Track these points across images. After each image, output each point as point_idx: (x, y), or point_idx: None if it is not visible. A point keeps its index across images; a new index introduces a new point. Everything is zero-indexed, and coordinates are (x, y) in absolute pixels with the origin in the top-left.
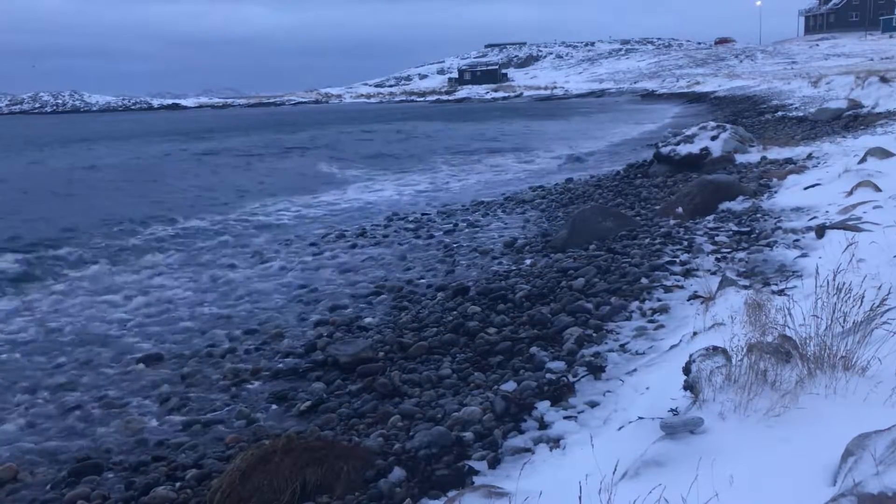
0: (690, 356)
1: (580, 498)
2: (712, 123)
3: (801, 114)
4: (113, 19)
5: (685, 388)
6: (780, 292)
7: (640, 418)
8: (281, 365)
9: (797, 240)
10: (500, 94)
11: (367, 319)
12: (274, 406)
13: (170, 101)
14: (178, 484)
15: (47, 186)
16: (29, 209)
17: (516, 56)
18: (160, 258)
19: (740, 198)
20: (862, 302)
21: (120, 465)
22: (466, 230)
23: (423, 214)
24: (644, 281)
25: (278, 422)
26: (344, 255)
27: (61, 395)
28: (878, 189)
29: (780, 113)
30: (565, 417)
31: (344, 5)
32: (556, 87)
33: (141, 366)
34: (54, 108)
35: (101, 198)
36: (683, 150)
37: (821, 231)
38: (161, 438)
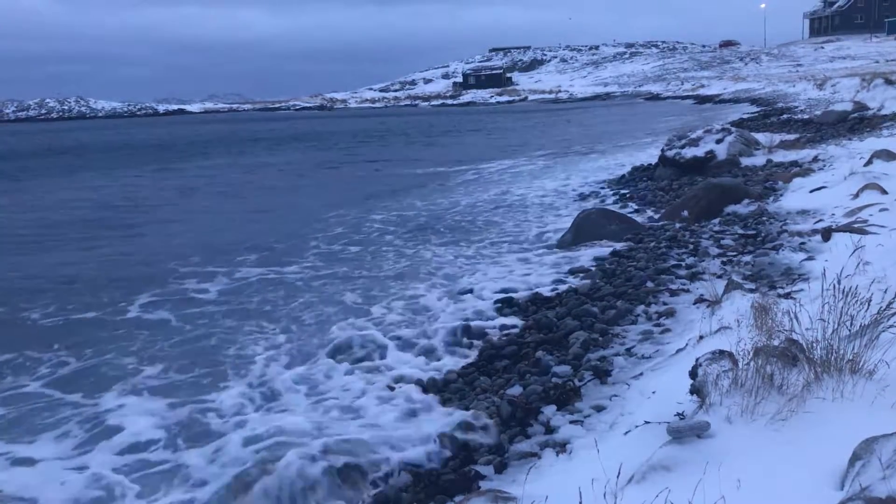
0: (697, 360)
1: (585, 503)
2: (717, 126)
3: (806, 116)
4: (113, 25)
5: (692, 392)
6: (787, 295)
7: (647, 422)
8: None
9: (803, 243)
10: (505, 98)
11: None
12: None
13: (175, 107)
14: None
15: None
16: None
17: (521, 60)
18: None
19: (746, 201)
20: (869, 305)
21: None
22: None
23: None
24: (650, 284)
25: None
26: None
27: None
28: (884, 191)
29: (785, 115)
30: (571, 422)
31: (344, 10)
32: (560, 91)
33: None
34: (60, 114)
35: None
36: (688, 153)
37: (827, 234)
38: None
